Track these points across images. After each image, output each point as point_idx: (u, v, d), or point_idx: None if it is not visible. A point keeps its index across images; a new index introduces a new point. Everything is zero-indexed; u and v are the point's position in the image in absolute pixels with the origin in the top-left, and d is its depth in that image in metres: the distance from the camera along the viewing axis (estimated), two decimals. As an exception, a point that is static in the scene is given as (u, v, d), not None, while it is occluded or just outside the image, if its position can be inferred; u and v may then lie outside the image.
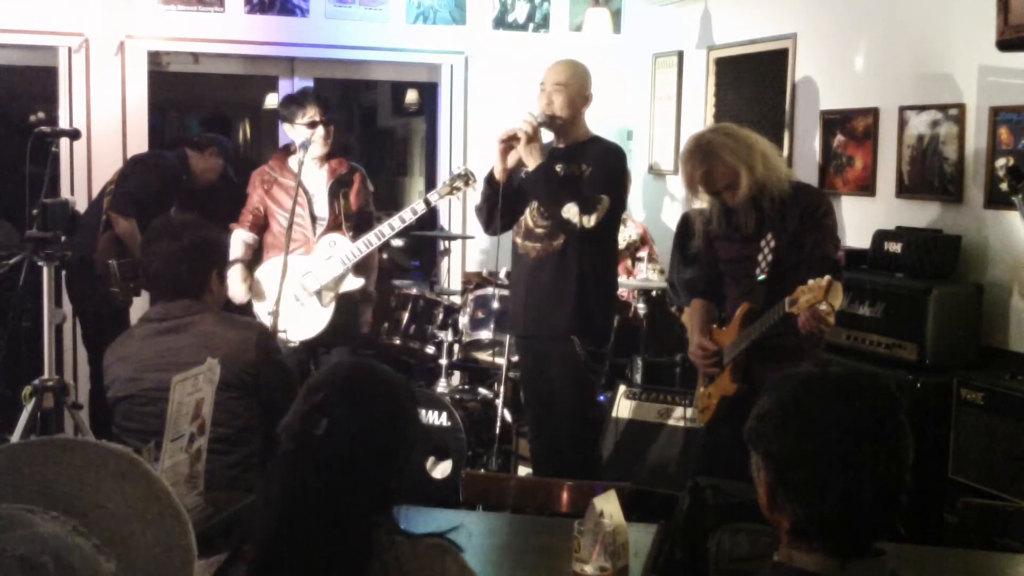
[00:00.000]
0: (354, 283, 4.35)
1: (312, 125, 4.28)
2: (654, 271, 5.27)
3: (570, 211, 3.71)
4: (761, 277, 3.29)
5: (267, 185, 4.40)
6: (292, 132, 4.36)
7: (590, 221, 3.72)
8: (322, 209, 4.38)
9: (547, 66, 3.93)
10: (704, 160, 3.32)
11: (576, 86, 3.84)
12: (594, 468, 4.03)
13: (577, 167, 3.83)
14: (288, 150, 4.49)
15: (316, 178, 4.40)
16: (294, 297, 4.23)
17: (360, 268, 4.36)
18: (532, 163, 3.74)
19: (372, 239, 4.29)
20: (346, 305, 4.37)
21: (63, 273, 4.96)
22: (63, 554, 0.83)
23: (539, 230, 3.87)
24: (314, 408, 1.65)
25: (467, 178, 4.34)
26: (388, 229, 4.29)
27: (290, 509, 1.61)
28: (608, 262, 3.99)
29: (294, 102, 4.35)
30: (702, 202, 3.48)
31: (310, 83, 5.76)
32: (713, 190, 3.36)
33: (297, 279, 4.23)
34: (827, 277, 2.95)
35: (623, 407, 4.54)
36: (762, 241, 3.32)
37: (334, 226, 4.33)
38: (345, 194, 4.40)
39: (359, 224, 4.42)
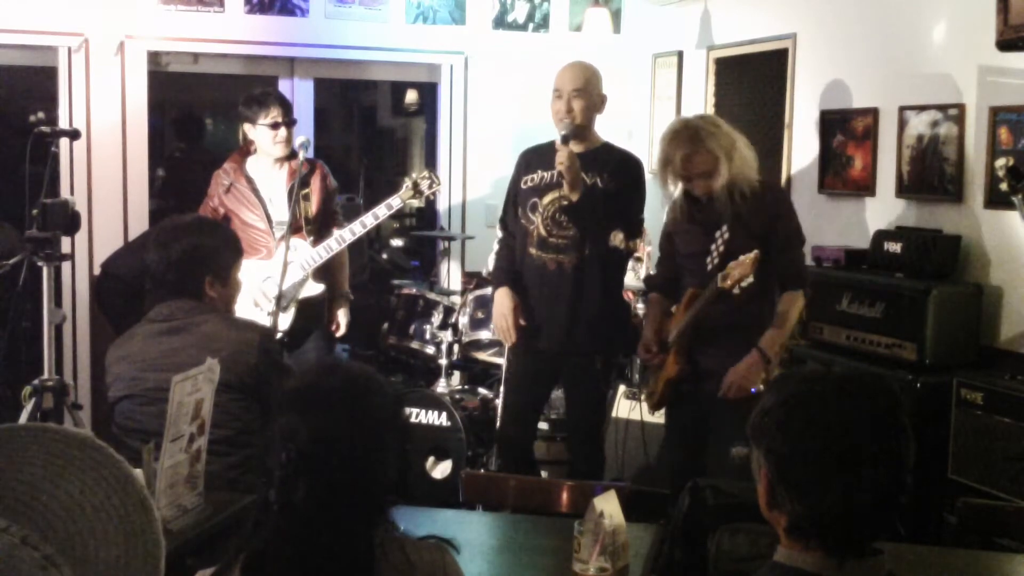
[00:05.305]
0: (314, 288, 4.27)
1: (274, 126, 4.19)
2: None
3: (616, 238, 3.70)
4: (710, 267, 3.39)
5: (223, 188, 4.31)
6: (253, 132, 4.26)
7: (636, 245, 3.81)
8: (281, 212, 4.25)
9: (553, 68, 3.89)
10: (688, 143, 3.39)
11: (594, 91, 3.81)
12: (599, 474, 4.03)
13: (599, 177, 3.78)
14: (245, 151, 4.37)
15: (274, 180, 4.31)
16: (254, 303, 4.14)
17: (322, 272, 4.29)
18: (574, 196, 3.68)
19: (332, 244, 4.22)
20: (307, 308, 4.29)
21: (99, 295, 4.96)
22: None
23: (554, 240, 3.80)
24: (292, 433, 1.62)
25: (431, 181, 4.30)
26: (349, 234, 4.21)
27: (287, 520, 1.61)
28: (623, 271, 4.04)
29: (256, 101, 4.23)
30: (669, 186, 3.54)
31: (310, 83, 5.77)
32: (687, 175, 3.43)
33: (257, 285, 4.14)
34: (755, 251, 3.18)
35: (623, 407, 4.55)
36: (717, 232, 3.41)
37: (295, 229, 4.18)
38: (306, 195, 4.28)
39: (322, 226, 4.34)
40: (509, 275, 3.91)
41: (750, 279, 3.20)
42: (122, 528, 0.90)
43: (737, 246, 3.33)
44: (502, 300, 3.87)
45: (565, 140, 3.68)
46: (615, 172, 3.79)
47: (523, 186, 3.90)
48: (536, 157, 3.91)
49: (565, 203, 3.73)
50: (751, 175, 3.44)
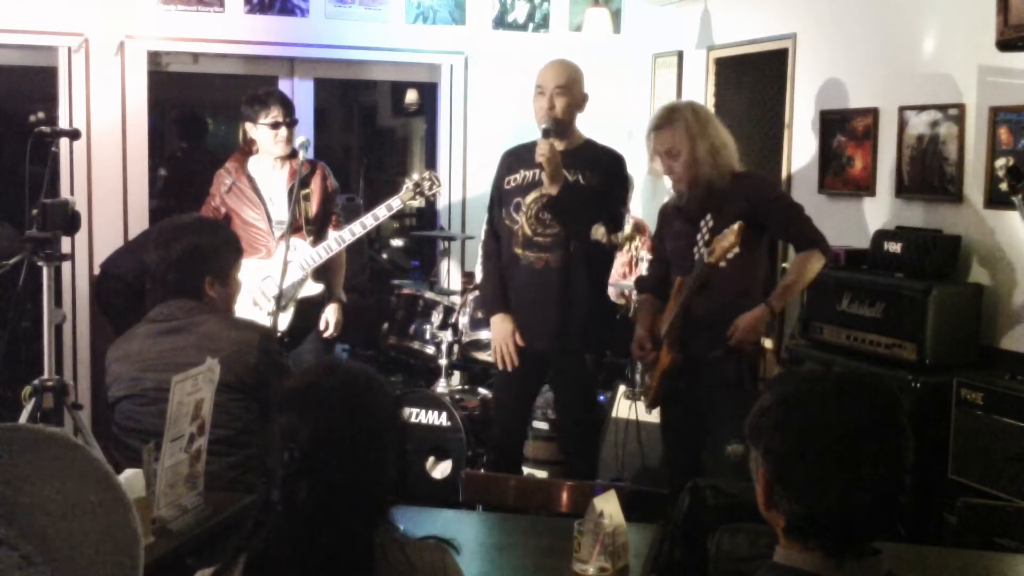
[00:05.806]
0: (313, 288, 4.28)
1: (275, 126, 4.21)
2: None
3: (598, 232, 3.67)
4: (696, 256, 3.44)
5: (225, 187, 4.32)
6: (254, 131, 4.28)
7: (617, 239, 3.77)
8: (280, 212, 4.27)
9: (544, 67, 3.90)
10: (660, 119, 3.55)
11: (577, 89, 3.81)
12: (593, 472, 4.04)
13: (581, 173, 3.76)
14: (247, 150, 4.38)
15: (275, 180, 4.32)
16: (253, 302, 4.15)
17: (321, 273, 4.30)
18: (553, 190, 3.67)
19: (332, 244, 4.22)
20: (306, 308, 4.30)
21: (99, 295, 4.96)
22: None
23: (539, 239, 3.78)
24: (291, 437, 1.62)
25: (432, 182, 4.30)
26: (349, 235, 4.22)
27: (287, 520, 1.61)
28: (609, 268, 4.03)
29: (257, 101, 4.25)
30: (657, 164, 3.65)
31: (310, 83, 5.77)
32: (656, 150, 3.57)
33: (256, 284, 4.15)
34: (739, 223, 3.25)
35: (623, 407, 4.55)
36: (701, 222, 3.46)
37: (294, 229, 4.18)
38: (306, 196, 4.29)
39: (322, 226, 4.34)
40: (502, 299, 3.88)
41: (736, 250, 3.24)
42: (99, 525, 0.91)
43: (719, 235, 3.37)
44: (501, 326, 3.85)
45: (546, 134, 3.69)
46: (597, 167, 3.79)
47: (506, 187, 3.89)
48: (518, 157, 3.90)
49: (547, 200, 3.73)
50: (728, 163, 3.51)
